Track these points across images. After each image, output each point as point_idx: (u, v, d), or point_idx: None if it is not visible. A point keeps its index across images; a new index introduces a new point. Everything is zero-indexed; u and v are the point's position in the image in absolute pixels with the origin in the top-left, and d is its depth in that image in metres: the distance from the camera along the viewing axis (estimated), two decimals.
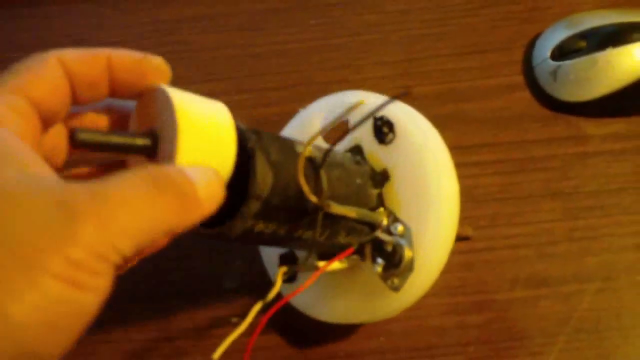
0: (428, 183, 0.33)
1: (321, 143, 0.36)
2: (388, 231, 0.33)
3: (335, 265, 0.33)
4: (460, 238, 0.41)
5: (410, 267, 0.32)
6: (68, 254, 0.19)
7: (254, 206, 0.26)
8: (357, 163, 0.34)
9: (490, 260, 0.42)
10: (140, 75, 0.26)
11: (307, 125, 0.37)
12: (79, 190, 0.20)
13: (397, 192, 0.34)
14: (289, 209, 0.28)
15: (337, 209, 0.29)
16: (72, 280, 0.19)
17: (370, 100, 0.36)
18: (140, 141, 0.24)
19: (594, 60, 0.44)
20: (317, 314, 0.37)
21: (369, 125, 0.35)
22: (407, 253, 0.32)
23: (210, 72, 0.50)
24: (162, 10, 0.52)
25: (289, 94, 0.48)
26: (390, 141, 0.34)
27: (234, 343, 0.30)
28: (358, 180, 0.33)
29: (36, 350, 0.19)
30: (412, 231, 0.33)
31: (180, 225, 0.23)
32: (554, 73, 0.45)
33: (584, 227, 0.42)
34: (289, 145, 0.29)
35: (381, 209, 0.34)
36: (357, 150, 0.36)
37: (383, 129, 0.34)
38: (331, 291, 0.36)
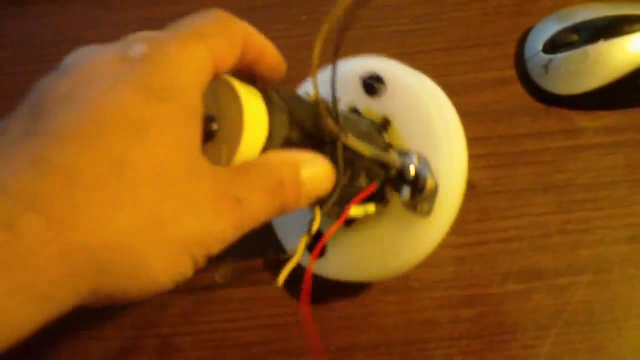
0: (428, 113, 0.34)
1: None
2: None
3: (363, 209, 0.34)
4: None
5: (435, 190, 0.33)
6: (209, 250, 0.23)
7: (279, 135, 0.27)
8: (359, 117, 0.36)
9: (482, 253, 0.41)
10: (275, 74, 0.29)
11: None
12: (229, 193, 0.24)
13: (401, 133, 0.35)
14: (309, 138, 0.29)
15: (353, 141, 0.29)
16: (197, 266, 0.24)
17: (363, 61, 0.37)
18: (205, 124, 0.26)
19: (586, 53, 0.44)
20: (350, 273, 0.37)
21: (358, 85, 0.36)
22: (430, 179, 0.33)
23: None
24: (151, 9, 0.52)
25: None
26: (383, 92, 0.36)
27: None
28: (363, 128, 0.34)
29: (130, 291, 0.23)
30: (427, 158, 0.34)
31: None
32: (546, 66, 0.45)
33: (576, 220, 0.42)
34: (295, 92, 0.31)
35: (391, 151, 0.34)
36: (354, 111, 0.37)
37: (372, 84, 0.36)
38: (362, 243, 0.36)
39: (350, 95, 0.37)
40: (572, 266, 0.41)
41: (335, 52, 0.26)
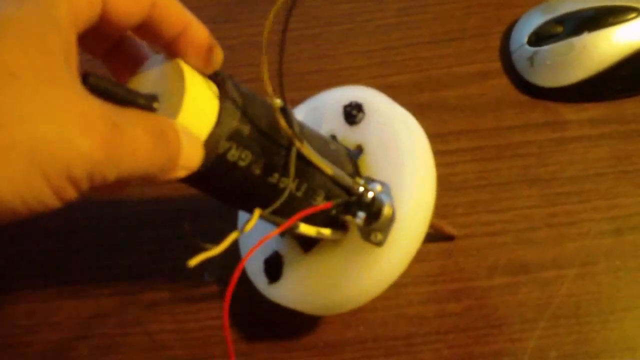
0: (399, 143, 0.34)
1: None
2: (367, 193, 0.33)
3: (316, 230, 0.33)
4: (444, 237, 0.41)
5: (391, 219, 0.32)
6: (70, 169, 0.20)
7: (228, 124, 0.27)
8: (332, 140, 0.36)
9: (468, 247, 0.41)
10: (208, 61, 0.27)
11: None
12: (108, 115, 0.22)
13: (371, 161, 0.35)
14: (262, 137, 0.29)
15: (310, 152, 0.29)
16: (57, 192, 0.20)
17: (349, 91, 0.37)
18: (142, 101, 0.26)
19: (570, 45, 0.44)
20: (303, 303, 0.36)
21: (339, 113, 0.36)
22: (387, 207, 0.32)
23: None
24: None
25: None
26: (360, 120, 0.36)
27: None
28: (332, 147, 0.34)
29: None
30: (390, 188, 0.33)
31: (153, 179, 0.25)
32: (531, 59, 0.45)
33: (562, 213, 0.42)
34: (253, 93, 0.30)
35: (357, 178, 0.34)
36: (333, 139, 0.36)
37: (352, 112, 0.36)
38: (317, 270, 0.35)
39: (331, 124, 0.37)
40: (558, 259, 0.41)
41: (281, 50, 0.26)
